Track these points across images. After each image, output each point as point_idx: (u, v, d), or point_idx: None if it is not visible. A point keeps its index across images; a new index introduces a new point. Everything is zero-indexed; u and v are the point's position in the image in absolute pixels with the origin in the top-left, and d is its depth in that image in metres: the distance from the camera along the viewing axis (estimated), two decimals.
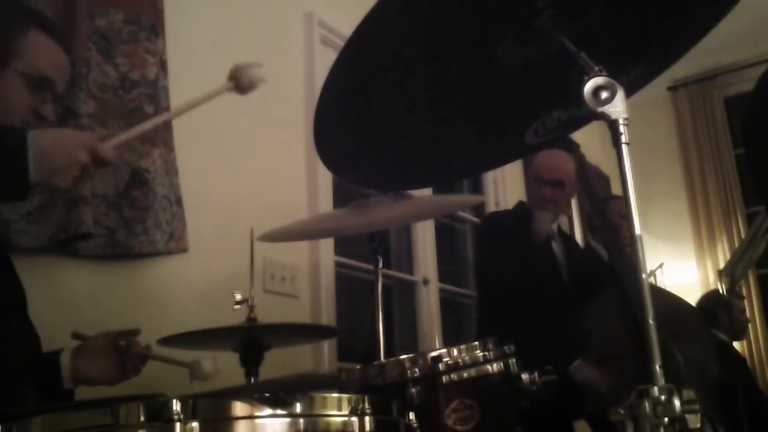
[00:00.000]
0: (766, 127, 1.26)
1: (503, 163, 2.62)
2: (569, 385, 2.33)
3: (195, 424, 0.90)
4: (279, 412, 0.96)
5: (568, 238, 2.93)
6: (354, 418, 1.01)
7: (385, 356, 1.84)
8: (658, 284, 4.29)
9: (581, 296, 2.64)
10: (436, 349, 1.34)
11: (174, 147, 2.21)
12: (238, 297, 1.74)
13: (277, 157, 2.69)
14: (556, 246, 2.75)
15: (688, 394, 0.86)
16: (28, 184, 1.16)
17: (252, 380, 1.71)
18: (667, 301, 2.58)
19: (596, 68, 0.97)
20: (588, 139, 3.68)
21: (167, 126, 2.20)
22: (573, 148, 2.78)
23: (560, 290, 2.63)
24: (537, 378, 1.34)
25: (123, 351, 1.56)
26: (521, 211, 2.80)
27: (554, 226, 2.77)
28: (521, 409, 1.37)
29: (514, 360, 1.36)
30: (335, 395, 1.03)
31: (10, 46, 1.37)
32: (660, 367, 0.86)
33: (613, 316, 2.41)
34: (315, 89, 2.80)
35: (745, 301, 4.63)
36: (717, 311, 4.04)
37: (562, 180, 2.68)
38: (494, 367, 1.33)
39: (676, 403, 0.85)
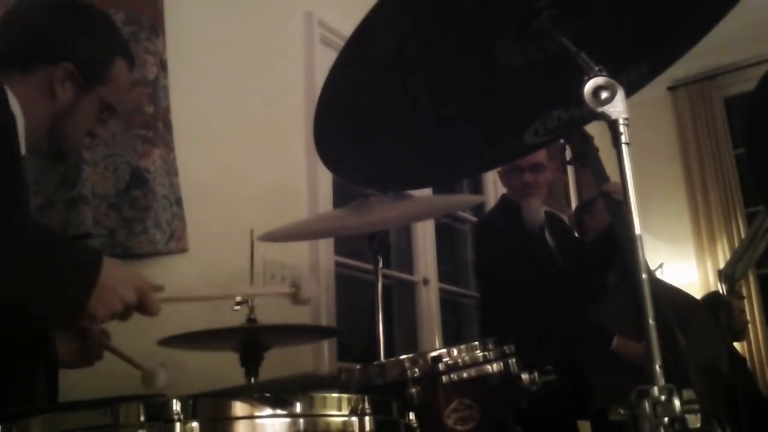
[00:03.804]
0: (767, 127, 1.26)
1: (503, 163, 2.65)
2: (577, 381, 2.33)
3: (195, 424, 0.90)
4: (279, 412, 0.96)
5: (556, 221, 2.95)
6: (354, 418, 1.01)
7: (385, 356, 1.84)
8: None
9: (581, 280, 2.66)
10: (436, 349, 1.34)
11: (174, 147, 2.21)
12: (238, 297, 1.74)
13: (277, 157, 2.69)
14: (548, 233, 2.78)
15: (688, 394, 0.86)
16: (81, 311, 1.12)
17: (252, 380, 1.71)
18: (675, 296, 2.58)
19: (596, 68, 0.97)
20: None
21: (167, 126, 2.20)
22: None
23: (559, 278, 2.64)
24: (537, 378, 1.34)
25: (83, 335, 1.50)
26: (508, 205, 2.82)
27: (542, 212, 2.80)
28: (521, 409, 1.37)
29: (514, 360, 1.36)
30: (335, 395, 1.03)
31: (100, 70, 1.40)
32: (660, 367, 0.86)
33: (628, 312, 2.40)
34: (315, 89, 2.80)
35: (745, 302, 4.62)
36: (717, 312, 4.04)
37: (538, 162, 2.71)
38: (494, 367, 1.34)
39: (676, 403, 0.84)
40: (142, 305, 1.21)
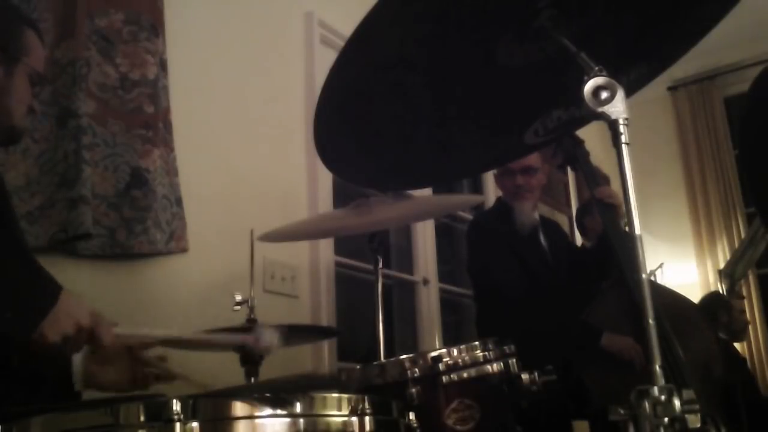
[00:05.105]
0: (761, 128, 1.26)
1: (503, 163, 2.65)
2: (574, 382, 2.33)
3: (195, 424, 0.90)
4: (279, 412, 0.96)
5: (550, 224, 2.95)
6: (354, 418, 1.01)
7: (385, 356, 1.84)
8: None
9: (575, 283, 2.66)
10: (436, 349, 1.34)
11: (174, 147, 2.22)
12: (238, 297, 1.74)
13: (277, 156, 2.69)
14: (542, 236, 2.77)
15: (688, 394, 0.85)
16: (34, 331, 1.17)
17: (252, 380, 1.71)
18: (670, 299, 2.58)
19: (596, 68, 0.97)
20: (588, 139, 3.68)
21: (167, 126, 2.20)
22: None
23: (551, 280, 2.64)
24: (537, 378, 1.34)
25: (137, 363, 1.55)
26: (501, 207, 2.82)
27: (535, 214, 2.79)
28: (521, 409, 1.37)
29: (514, 360, 1.36)
30: (335, 395, 1.03)
31: (18, 43, 1.41)
32: (660, 367, 0.86)
33: (620, 316, 2.40)
34: (315, 89, 2.80)
35: (745, 301, 4.62)
36: (717, 311, 4.05)
37: (530, 165, 2.70)
38: (494, 367, 1.33)
39: (676, 403, 0.84)
40: (95, 332, 1.23)
